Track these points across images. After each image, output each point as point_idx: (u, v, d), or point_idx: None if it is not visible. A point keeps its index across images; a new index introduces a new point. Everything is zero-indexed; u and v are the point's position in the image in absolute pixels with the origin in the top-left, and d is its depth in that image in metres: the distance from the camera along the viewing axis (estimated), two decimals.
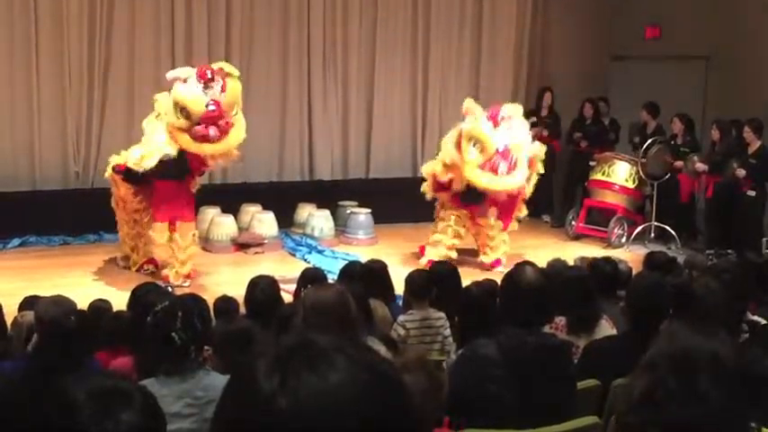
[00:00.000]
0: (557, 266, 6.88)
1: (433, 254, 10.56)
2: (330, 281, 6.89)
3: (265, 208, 12.15)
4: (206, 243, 11.43)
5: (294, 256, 11.43)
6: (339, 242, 12.18)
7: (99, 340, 5.35)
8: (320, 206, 12.53)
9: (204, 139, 9.09)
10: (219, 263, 10.89)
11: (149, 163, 9.15)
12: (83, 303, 5.99)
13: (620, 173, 12.66)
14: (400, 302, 6.88)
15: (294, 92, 13.41)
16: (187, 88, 9.09)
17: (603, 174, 12.74)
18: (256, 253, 11.47)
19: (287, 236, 12.17)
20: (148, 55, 12.43)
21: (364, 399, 1.29)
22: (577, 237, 12.73)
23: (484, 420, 3.78)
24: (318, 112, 13.58)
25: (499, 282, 4.51)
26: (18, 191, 11.74)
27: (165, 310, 3.94)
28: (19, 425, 1.79)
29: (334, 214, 12.52)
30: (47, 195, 11.82)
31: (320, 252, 11.50)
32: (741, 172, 11.33)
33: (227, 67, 9.41)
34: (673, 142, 12.51)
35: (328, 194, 13.03)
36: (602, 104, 13.87)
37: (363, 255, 10.20)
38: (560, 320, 5.45)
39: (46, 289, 6.97)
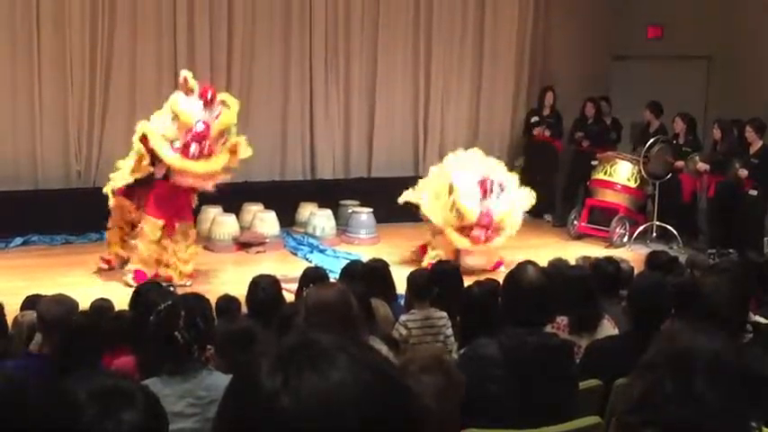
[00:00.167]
0: (558, 266, 6.87)
1: (433, 256, 10.57)
2: (332, 280, 6.89)
3: (267, 207, 12.15)
4: (208, 242, 11.43)
5: (296, 255, 11.43)
6: (341, 241, 12.18)
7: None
8: (322, 205, 12.53)
9: (185, 151, 9.15)
10: (221, 262, 10.89)
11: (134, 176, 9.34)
12: (85, 303, 6.00)
13: (621, 172, 12.65)
14: (402, 302, 6.88)
15: (296, 90, 13.40)
16: (186, 101, 9.25)
17: (605, 173, 12.74)
18: (258, 252, 11.47)
19: (288, 235, 12.17)
20: (150, 55, 12.43)
21: (366, 398, 1.29)
22: (579, 236, 12.72)
23: (485, 420, 3.78)
24: (320, 112, 13.58)
25: (501, 281, 4.51)
26: (20, 190, 11.75)
27: (167, 309, 3.94)
28: (21, 424, 1.80)
29: (335, 213, 12.52)
30: (49, 194, 11.82)
31: (322, 251, 11.50)
32: (743, 172, 11.32)
33: (229, 99, 9.58)
34: (674, 142, 12.50)
35: (330, 194, 13.02)
36: (603, 104, 13.86)
37: (365, 254, 10.19)
38: (562, 320, 5.45)
39: (48, 288, 6.97)
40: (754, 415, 3.01)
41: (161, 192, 9.55)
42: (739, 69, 13.08)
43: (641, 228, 12.48)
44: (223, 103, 9.43)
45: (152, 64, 12.43)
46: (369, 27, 13.75)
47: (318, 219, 12.22)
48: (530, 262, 4.40)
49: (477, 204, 10.32)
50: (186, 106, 9.22)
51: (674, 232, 12.25)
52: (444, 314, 6.20)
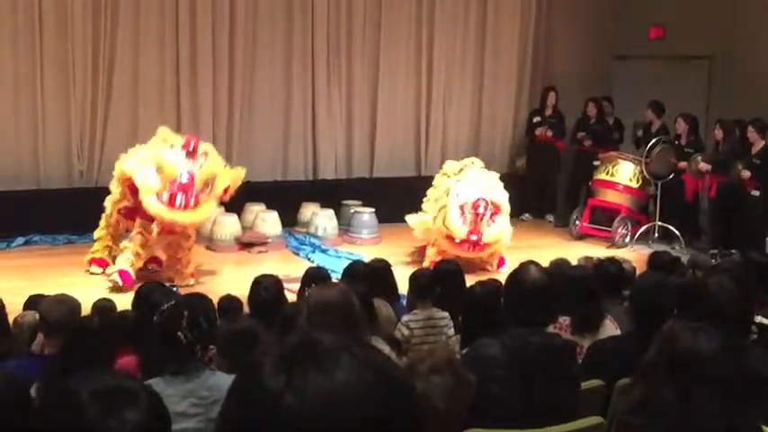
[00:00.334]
0: (560, 266, 6.87)
1: (433, 253, 10.59)
2: (334, 280, 6.89)
3: (269, 207, 12.16)
4: (210, 242, 11.44)
5: (298, 255, 11.44)
6: (343, 241, 12.18)
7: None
8: (324, 205, 12.54)
9: (171, 202, 9.22)
10: (223, 262, 10.89)
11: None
12: (86, 303, 6.00)
13: (624, 172, 12.65)
14: (404, 302, 6.89)
15: (298, 91, 13.40)
16: (170, 153, 9.33)
17: (607, 173, 12.73)
18: (260, 252, 11.47)
19: (290, 235, 12.17)
20: (153, 55, 12.44)
21: (370, 398, 1.29)
22: (581, 236, 12.71)
23: (487, 420, 3.77)
24: (322, 112, 13.58)
25: (503, 281, 4.50)
26: (22, 189, 11.75)
27: (170, 309, 3.94)
28: (24, 424, 1.80)
29: (337, 213, 12.52)
30: (51, 194, 11.82)
31: (324, 251, 11.50)
32: (746, 173, 11.32)
33: (210, 149, 9.64)
34: (677, 142, 12.50)
35: (332, 194, 13.03)
36: (606, 104, 13.85)
37: (367, 254, 10.19)
38: (564, 320, 5.45)
39: (49, 288, 6.97)
40: (756, 414, 3.01)
41: None
42: (741, 69, 13.08)
43: (643, 228, 12.48)
44: (205, 154, 9.52)
45: (154, 64, 12.44)
46: (370, 28, 13.75)
47: (320, 219, 12.23)
48: (532, 262, 4.40)
49: (464, 224, 10.32)
50: (170, 158, 9.29)
51: (677, 232, 12.24)
52: (446, 314, 6.21)
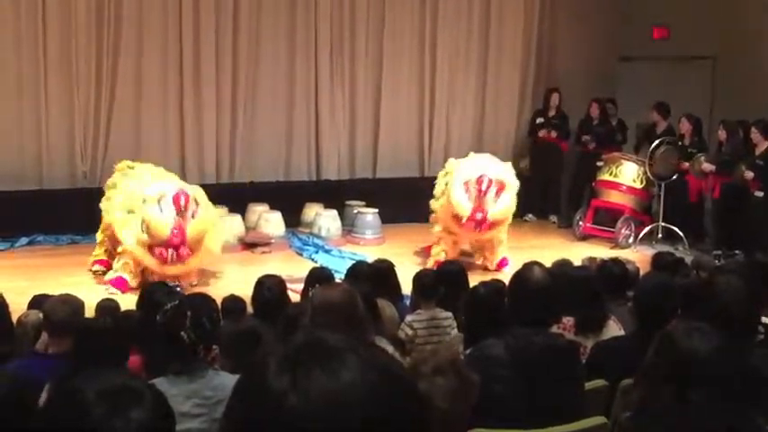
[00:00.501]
0: (564, 267, 6.87)
1: (438, 252, 10.58)
2: (337, 280, 6.89)
3: (272, 207, 12.17)
4: None
5: (301, 255, 11.43)
6: (346, 242, 12.18)
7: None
8: (327, 206, 12.54)
9: (162, 257, 9.18)
10: (226, 262, 10.88)
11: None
12: (90, 303, 6.01)
13: (627, 173, 12.64)
14: (408, 302, 6.89)
15: (301, 90, 13.41)
16: (156, 211, 9.15)
17: (611, 174, 12.72)
18: (263, 252, 11.48)
19: (294, 235, 12.17)
20: (156, 55, 12.46)
21: (375, 398, 1.29)
22: (584, 237, 12.71)
23: (491, 421, 3.77)
24: (325, 113, 13.59)
25: (507, 282, 4.51)
26: (26, 190, 11.77)
27: (174, 309, 3.94)
28: (29, 423, 1.80)
29: (341, 214, 12.53)
30: (54, 194, 11.84)
31: (327, 252, 11.50)
32: (749, 174, 11.30)
33: (200, 196, 9.52)
34: (680, 143, 12.49)
35: (335, 194, 13.03)
36: (609, 105, 13.84)
37: (370, 254, 10.20)
38: (568, 321, 5.45)
39: (52, 288, 6.98)
40: (758, 414, 3.01)
41: None
42: (745, 70, 13.06)
43: (647, 229, 12.47)
44: (196, 202, 9.38)
45: (157, 65, 12.46)
46: (373, 28, 13.75)
47: (324, 219, 12.23)
48: (535, 263, 4.40)
49: (469, 200, 10.28)
50: (156, 216, 9.12)
51: (680, 233, 12.23)
52: (450, 314, 6.21)
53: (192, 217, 9.29)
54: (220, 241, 9.98)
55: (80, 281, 9.56)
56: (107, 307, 6.23)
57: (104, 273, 9.82)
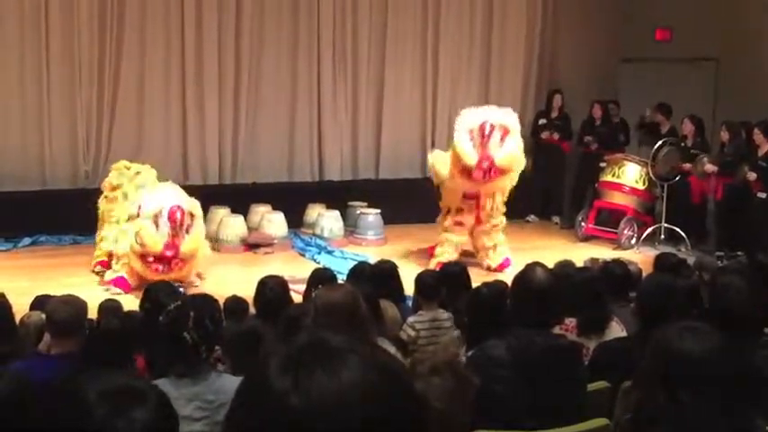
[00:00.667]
0: (566, 268, 6.87)
1: (442, 252, 10.58)
2: (339, 281, 6.89)
3: (275, 208, 12.16)
4: (215, 243, 11.44)
5: (303, 256, 11.44)
6: (348, 243, 12.18)
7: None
8: (330, 207, 12.54)
9: (153, 270, 9.20)
10: (229, 263, 10.89)
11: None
12: (92, 303, 6.00)
13: (630, 174, 12.63)
14: (410, 303, 6.88)
15: (304, 93, 13.42)
16: (151, 227, 9.19)
17: (613, 175, 12.72)
18: (266, 253, 11.48)
19: (296, 236, 12.17)
20: (158, 56, 12.47)
21: (377, 398, 1.29)
22: (587, 238, 12.70)
23: (493, 421, 3.77)
24: (328, 114, 13.59)
25: (509, 283, 4.51)
26: (28, 190, 11.78)
27: (177, 309, 3.94)
28: (31, 423, 1.80)
29: (343, 215, 12.52)
30: (57, 194, 11.85)
31: (330, 252, 11.50)
32: (752, 175, 11.29)
33: (195, 209, 9.51)
34: (683, 144, 12.48)
35: (338, 195, 13.03)
36: (611, 107, 13.84)
37: (373, 255, 10.20)
38: (571, 322, 5.45)
39: (54, 288, 6.99)
40: (757, 414, 3.00)
41: None
42: (747, 71, 13.05)
43: (649, 230, 12.46)
44: (191, 216, 9.39)
45: (160, 65, 12.47)
46: (376, 30, 13.76)
47: (326, 220, 12.23)
48: (538, 263, 4.40)
49: (474, 149, 10.26)
50: (150, 232, 9.16)
51: (683, 234, 12.22)
52: (452, 315, 6.20)
53: (187, 232, 9.33)
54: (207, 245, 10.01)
55: (82, 281, 9.57)
56: (110, 308, 6.23)
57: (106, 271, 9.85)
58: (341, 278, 7.60)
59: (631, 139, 13.85)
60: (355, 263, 8.35)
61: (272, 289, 6.15)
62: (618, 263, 6.83)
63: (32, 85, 11.85)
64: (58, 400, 1.69)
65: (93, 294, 7.57)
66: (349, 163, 13.89)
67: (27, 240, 11.32)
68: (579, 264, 7.64)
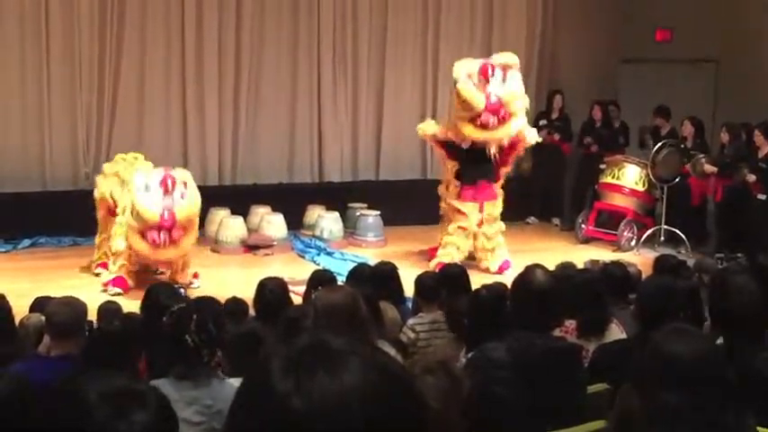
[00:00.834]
0: (566, 269, 6.87)
1: (443, 255, 10.57)
2: (339, 283, 6.89)
3: (275, 210, 12.16)
4: (215, 244, 11.45)
5: (303, 257, 11.43)
6: (348, 244, 12.17)
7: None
8: (329, 208, 12.53)
9: (154, 244, 9.15)
10: (228, 264, 10.90)
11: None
12: (92, 305, 6.00)
13: (629, 176, 12.63)
14: (410, 305, 6.88)
15: (304, 94, 13.42)
16: (146, 197, 9.12)
17: (613, 177, 12.71)
18: (266, 255, 11.47)
19: (296, 237, 12.17)
20: (158, 57, 12.48)
21: (378, 400, 1.29)
22: (587, 240, 12.69)
23: (493, 423, 3.77)
24: (328, 115, 13.59)
25: (509, 285, 4.51)
26: (28, 191, 11.78)
27: (180, 311, 3.94)
28: (31, 425, 1.80)
29: (343, 216, 12.52)
30: (57, 196, 11.84)
31: (329, 254, 11.49)
32: (752, 177, 11.29)
33: (188, 178, 9.46)
34: (683, 145, 12.48)
35: (338, 196, 13.02)
36: (612, 108, 13.83)
37: (373, 257, 10.21)
38: (570, 324, 5.45)
39: (54, 290, 7.00)
40: (751, 415, 3.00)
41: None
42: (748, 73, 13.06)
43: (649, 231, 12.45)
44: (184, 183, 9.33)
45: (160, 66, 12.48)
46: (377, 32, 13.76)
47: (326, 221, 12.22)
48: (538, 265, 4.41)
49: (479, 91, 10.27)
50: (145, 202, 9.10)
51: (683, 236, 12.21)
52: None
53: (182, 197, 9.25)
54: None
55: (82, 283, 9.56)
56: (110, 309, 6.23)
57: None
58: (341, 280, 7.60)
59: (631, 142, 13.85)
60: (355, 264, 8.35)
61: (271, 290, 6.15)
62: (617, 264, 6.83)
63: (32, 85, 11.85)
64: (59, 401, 1.69)
65: (92, 296, 7.57)
66: (349, 164, 13.89)
67: (27, 242, 11.31)
68: (579, 266, 7.64)
